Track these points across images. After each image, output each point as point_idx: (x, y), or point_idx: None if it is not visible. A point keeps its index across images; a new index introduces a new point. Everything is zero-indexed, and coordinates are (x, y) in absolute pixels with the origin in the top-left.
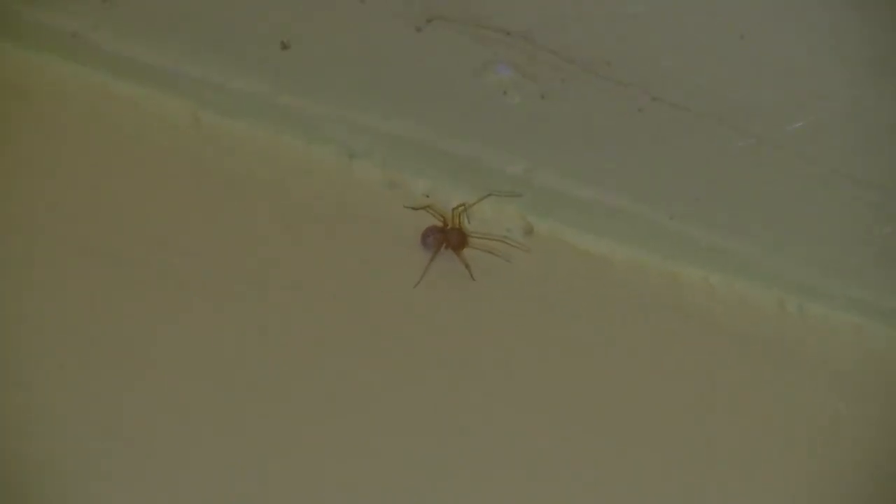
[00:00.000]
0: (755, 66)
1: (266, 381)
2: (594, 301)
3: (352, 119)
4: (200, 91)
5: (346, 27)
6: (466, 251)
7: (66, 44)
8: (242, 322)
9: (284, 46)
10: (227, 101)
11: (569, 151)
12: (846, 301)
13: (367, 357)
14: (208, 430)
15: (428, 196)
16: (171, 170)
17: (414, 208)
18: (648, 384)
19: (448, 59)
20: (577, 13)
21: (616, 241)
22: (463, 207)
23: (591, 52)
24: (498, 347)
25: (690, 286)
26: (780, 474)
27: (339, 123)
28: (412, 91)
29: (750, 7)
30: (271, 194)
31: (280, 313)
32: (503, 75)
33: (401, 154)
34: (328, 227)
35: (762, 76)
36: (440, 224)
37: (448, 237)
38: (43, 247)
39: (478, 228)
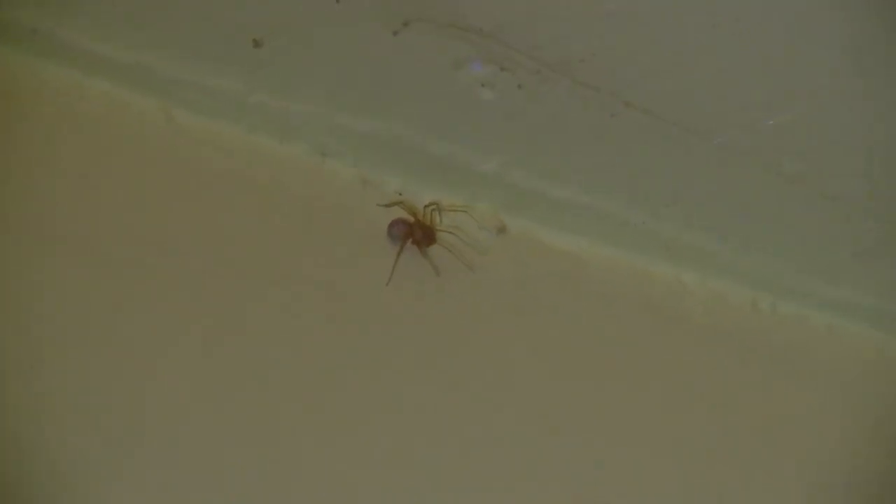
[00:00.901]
0: (728, 65)
1: (240, 372)
2: (567, 299)
3: (324, 117)
4: (173, 89)
5: (320, 26)
6: (436, 249)
7: (31, 41)
8: (215, 319)
9: (257, 44)
10: (199, 100)
11: (542, 150)
12: (819, 300)
13: (341, 354)
14: (186, 422)
15: (401, 194)
16: (144, 168)
17: (386, 206)
18: (621, 383)
19: (422, 58)
20: (549, 12)
21: (589, 240)
22: (435, 206)
23: (565, 50)
24: (470, 345)
25: (663, 285)
26: (752, 471)
27: (312, 122)
28: (385, 90)
29: (725, 6)
30: (244, 192)
31: (253, 311)
32: (476, 74)
33: (373, 152)
34: (301, 225)
35: (735, 76)
36: (409, 219)
37: (413, 231)
38: (12, 244)
39: (450, 226)
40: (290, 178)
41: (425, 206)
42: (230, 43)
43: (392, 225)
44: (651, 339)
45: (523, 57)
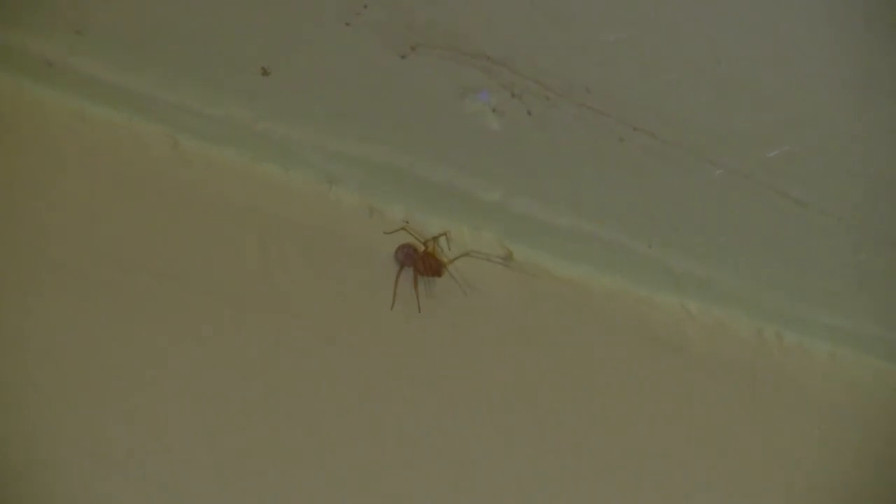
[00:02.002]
0: (732, 93)
1: (239, 400)
2: (571, 327)
3: (330, 145)
4: (179, 117)
5: (328, 54)
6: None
7: (42, 70)
8: (220, 345)
9: (265, 72)
10: (205, 127)
11: (547, 179)
12: (822, 328)
13: (345, 380)
14: (186, 447)
15: (407, 222)
16: (149, 195)
17: (391, 233)
18: (626, 410)
19: (428, 86)
20: (556, 41)
21: (594, 268)
22: (444, 235)
23: (571, 79)
24: (474, 372)
25: (668, 313)
26: (756, 500)
27: (318, 150)
28: (391, 118)
29: (726, 34)
30: (250, 220)
31: (258, 338)
32: (483, 102)
33: (379, 180)
34: (306, 252)
35: (739, 104)
36: (418, 246)
37: (418, 262)
38: (16, 269)
39: (457, 254)
40: (296, 205)
41: (434, 238)
42: (238, 71)
43: (399, 249)
44: (654, 367)
45: (531, 83)
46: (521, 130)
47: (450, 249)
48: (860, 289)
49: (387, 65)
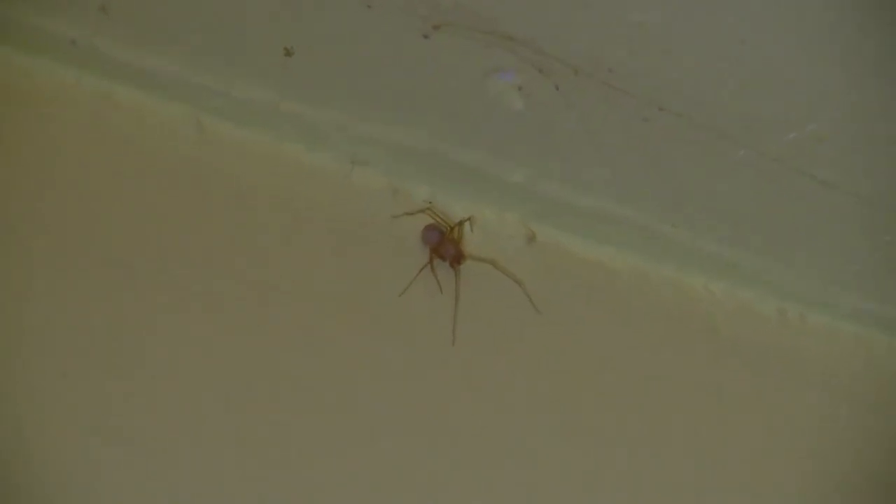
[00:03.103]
0: (757, 74)
1: (266, 387)
2: (596, 308)
3: (354, 126)
4: (203, 98)
5: (351, 34)
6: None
7: (67, 50)
8: (244, 328)
9: (288, 53)
10: (230, 108)
11: (571, 160)
12: (847, 310)
13: (369, 363)
14: (212, 435)
15: (430, 203)
16: (174, 176)
17: (414, 213)
18: (650, 391)
19: (452, 66)
20: (581, 20)
21: (618, 249)
22: (468, 219)
23: (596, 59)
24: (500, 354)
25: (692, 294)
26: (781, 481)
27: (342, 131)
28: (415, 99)
29: (752, 13)
30: (273, 201)
31: (282, 319)
32: (507, 82)
33: (403, 161)
34: (330, 233)
35: (764, 85)
36: (442, 227)
37: (442, 247)
38: (45, 252)
39: (480, 237)
40: (320, 186)
41: (459, 223)
42: (261, 52)
43: (426, 230)
44: (679, 347)
45: (555, 63)
46: (546, 111)
47: (472, 233)
48: (886, 271)
49: (409, 45)
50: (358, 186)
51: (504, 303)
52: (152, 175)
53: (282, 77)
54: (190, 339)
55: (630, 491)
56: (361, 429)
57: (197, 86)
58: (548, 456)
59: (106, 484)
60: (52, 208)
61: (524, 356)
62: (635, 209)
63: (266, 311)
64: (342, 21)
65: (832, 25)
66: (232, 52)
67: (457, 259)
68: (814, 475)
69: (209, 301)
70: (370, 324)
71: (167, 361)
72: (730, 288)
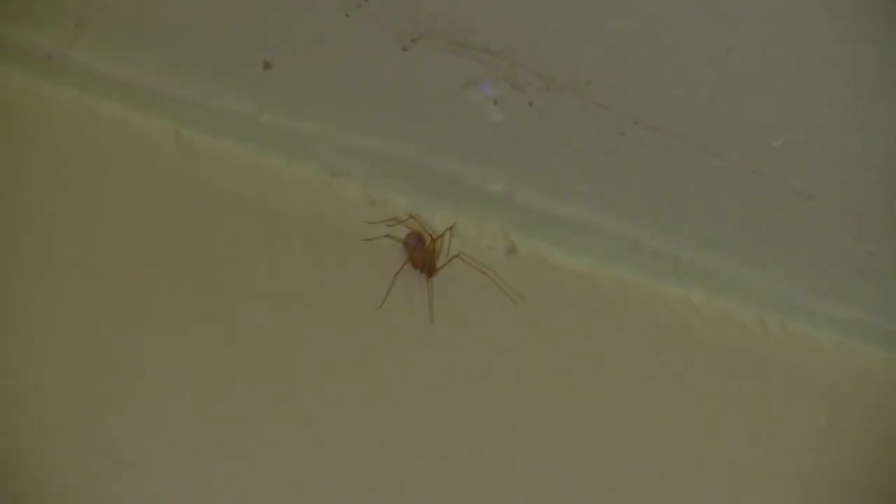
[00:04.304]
0: (735, 84)
1: (245, 396)
2: (576, 319)
3: (333, 138)
4: (182, 110)
5: (330, 46)
6: (446, 268)
7: (43, 62)
8: (223, 340)
9: (267, 66)
10: (208, 120)
11: (550, 170)
12: (827, 319)
13: (349, 372)
14: (195, 439)
15: (412, 216)
16: (152, 188)
17: (394, 225)
18: (630, 402)
19: (430, 77)
20: (558, 31)
21: (597, 259)
22: (448, 231)
23: (573, 70)
24: (477, 365)
25: (672, 304)
26: (761, 491)
27: (321, 142)
28: (394, 110)
29: (731, 23)
30: (252, 213)
31: (261, 332)
32: (485, 93)
33: (381, 173)
34: (310, 245)
35: (742, 95)
36: (424, 237)
37: (415, 257)
38: (22, 264)
39: (459, 247)
40: (299, 198)
41: (440, 235)
42: (240, 64)
43: (409, 236)
44: (659, 357)
45: (532, 75)
46: (524, 122)
47: (449, 246)
48: (865, 279)
49: (388, 57)
50: (337, 197)
51: (483, 311)
52: (130, 188)
53: (261, 89)
54: (167, 349)
55: (606, 498)
56: (346, 437)
57: (175, 98)
58: (529, 464)
59: (105, 487)
60: (29, 221)
61: (505, 365)
62: (615, 219)
63: (245, 322)
64: (321, 33)
65: (810, 37)
66: (210, 65)
67: (427, 271)
68: (793, 482)
69: (188, 312)
70: (350, 334)
71: (147, 368)
72: (709, 297)
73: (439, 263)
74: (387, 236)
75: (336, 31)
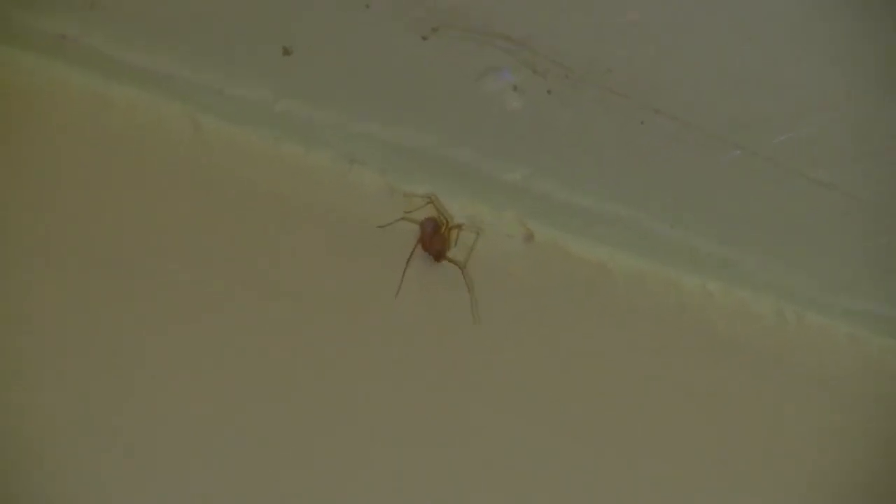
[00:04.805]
0: (753, 75)
1: (264, 386)
2: (593, 308)
3: (351, 126)
4: (199, 96)
5: (349, 34)
6: (464, 257)
7: (59, 47)
8: (241, 328)
9: (286, 52)
10: (226, 107)
11: (569, 159)
12: (843, 310)
13: (366, 362)
14: (211, 434)
15: (430, 199)
16: (170, 175)
17: (412, 210)
18: (646, 391)
19: (449, 66)
20: (577, 21)
21: (615, 249)
22: (462, 223)
23: (592, 60)
24: (497, 354)
25: (689, 294)
26: (775, 481)
27: (339, 130)
28: (412, 98)
29: (748, 15)
30: (270, 200)
31: (279, 319)
32: (504, 82)
33: (400, 161)
34: (327, 233)
35: (760, 86)
36: (441, 221)
37: (431, 237)
38: (39, 251)
39: (477, 236)
40: (317, 185)
41: (458, 225)
42: (259, 51)
43: (425, 220)
44: (676, 348)
45: (551, 64)
46: (542, 110)
47: (458, 237)
48: (882, 271)
49: (408, 46)
50: (355, 185)
51: (501, 301)
52: (147, 174)
53: (279, 76)
54: (186, 339)
55: (627, 491)
56: (363, 428)
57: (193, 84)
58: (543, 456)
59: (105, 486)
60: (45, 207)
61: (521, 356)
62: (633, 209)
63: (264, 311)
64: (340, 21)
65: (828, 27)
66: (229, 51)
67: (435, 255)
68: (810, 474)
69: (206, 301)
70: (368, 323)
71: (164, 361)
72: (727, 288)
73: (450, 252)
74: (403, 219)
75: (356, 19)
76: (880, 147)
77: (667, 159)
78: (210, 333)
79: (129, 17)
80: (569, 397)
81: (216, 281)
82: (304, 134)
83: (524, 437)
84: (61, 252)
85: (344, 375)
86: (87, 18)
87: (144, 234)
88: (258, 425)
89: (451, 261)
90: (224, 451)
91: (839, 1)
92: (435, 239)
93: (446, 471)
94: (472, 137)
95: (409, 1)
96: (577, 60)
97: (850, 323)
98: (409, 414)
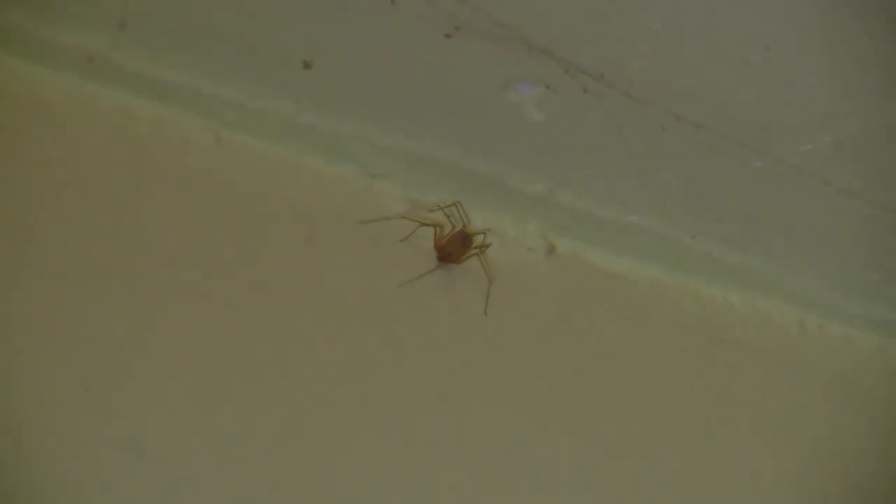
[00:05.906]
0: (777, 82)
1: (287, 396)
2: (615, 320)
3: (373, 138)
4: (221, 110)
5: (368, 47)
6: (487, 269)
7: (85, 64)
8: (265, 341)
9: (307, 65)
10: (247, 120)
11: (591, 170)
12: (866, 320)
13: (390, 375)
14: (211, 434)
15: (455, 205)
16: (192, 189)
17: (436, 210)
18: (669, 402)
19: (471, 77)
20: (600, 29)
21: (637, 260)
22: (484, 233)
23: (615, 67)
24: (518, 366)
25: (711, 305)
26: (801, 493)
27: (361, 143)
28: (433, 110)
29: (772, 22)
30: (292, 214)
31: (303, 332)
32: (526, 93)
33: (421, 173)
34: (349, 246)
35: (783, 93)
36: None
37: (450, 241)
38: (66, 266)
39: (499, 248)
40: (338, 198)
41: (483, 244)
42: (279, 64)
43: (459, 233)
44: (698, 359)
45: (575, 72)
46: (565, 121)
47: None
48: None
49: (429, 57)
50: (376, 198)
51: (523, 312)
52: (170, 188)
53: (300, 89)
54: (208, 350)
55: (647, 500)
56: (377, 432)
57: (215, 98)
58: (563, 466)
59: (116, 491)
60: (70, 221)
61: (542, 367)
62: (655, 219)
63: (287, 323)
64: (360, 34)
65: (852, 34)
66: (250, 65)
67: (443, 257)
68: (835, 484)
69: (230, 313)
70: (389, 333)
71: (184, 370)
72: (749, 298)
73: (462, 259)
74: (423, 224)
75: (375, 32)
76: None
77: (688, 168)
78: (231, 344)
79: (154, 35)
80: (591, 408)
81: (239, 293)
82: (326, 147)
83: (545, 449)
84: (86, 262)
85: (367, 386)
86: (113, 38)
87: (168, 247)
88: (264, 427)
89: (454, 263)
90: (224, 451)
91: (864, 8)
92: (451, 242)
93: (452, 473)
94: (494, 149)
95: (429, 9)
96: (601, 68)
97: (875, 332)
98: (424, 424)
